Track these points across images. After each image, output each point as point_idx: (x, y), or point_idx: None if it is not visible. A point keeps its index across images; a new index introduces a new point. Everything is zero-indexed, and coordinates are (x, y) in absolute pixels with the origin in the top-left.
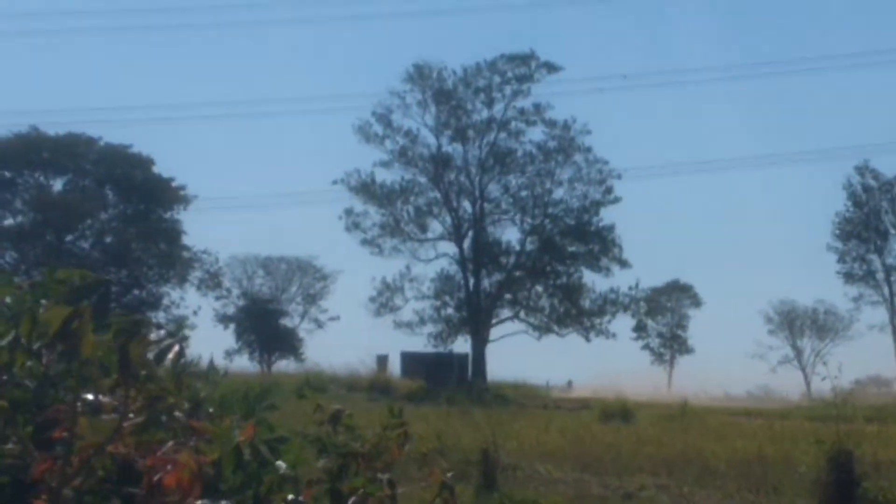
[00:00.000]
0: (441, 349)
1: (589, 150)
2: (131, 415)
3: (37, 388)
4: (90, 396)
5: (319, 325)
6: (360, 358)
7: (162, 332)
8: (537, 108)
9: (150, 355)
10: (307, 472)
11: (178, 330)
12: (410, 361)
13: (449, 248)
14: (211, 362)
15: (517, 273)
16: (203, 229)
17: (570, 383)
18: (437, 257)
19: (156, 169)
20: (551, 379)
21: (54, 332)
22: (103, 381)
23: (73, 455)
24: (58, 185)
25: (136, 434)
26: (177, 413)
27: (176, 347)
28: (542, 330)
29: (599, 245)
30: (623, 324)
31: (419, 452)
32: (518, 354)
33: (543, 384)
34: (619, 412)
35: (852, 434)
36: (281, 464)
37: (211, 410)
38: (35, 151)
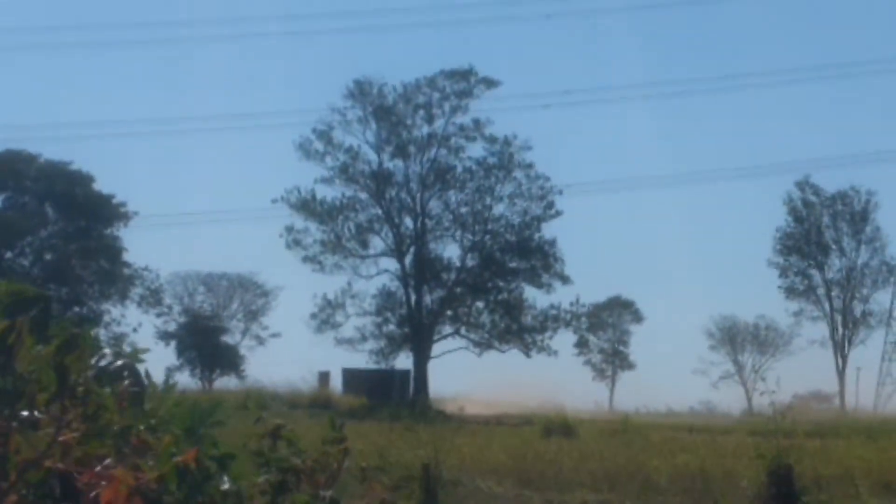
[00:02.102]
0: (383, 365)
1: (530, 166)
2: (76, 433)
3: None
4: (25, 413)
5: (261, 341)
6: (301, 375)
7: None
8: (477, 123)
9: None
10: (248, 486)
11: (132, 353)
12: (352, 378)
13: (390, 264)
14: (166, 379)
15: (458, 289)
16: (144, 246)
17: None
18: (379, 273)
19: (96, 186)
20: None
21: None
22: (40, 396)
23: (9, 470)
24: None
25: (79, 447)
26: (116, 428)
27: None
28: (483, 346)
29: (541, 261)
30: (564, 340)
31: (359, 468)
32: (461, 370)
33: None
34: (560, 427)
35: (793, 449)
36: (224, 477)
37: (153, 422)
38: None
